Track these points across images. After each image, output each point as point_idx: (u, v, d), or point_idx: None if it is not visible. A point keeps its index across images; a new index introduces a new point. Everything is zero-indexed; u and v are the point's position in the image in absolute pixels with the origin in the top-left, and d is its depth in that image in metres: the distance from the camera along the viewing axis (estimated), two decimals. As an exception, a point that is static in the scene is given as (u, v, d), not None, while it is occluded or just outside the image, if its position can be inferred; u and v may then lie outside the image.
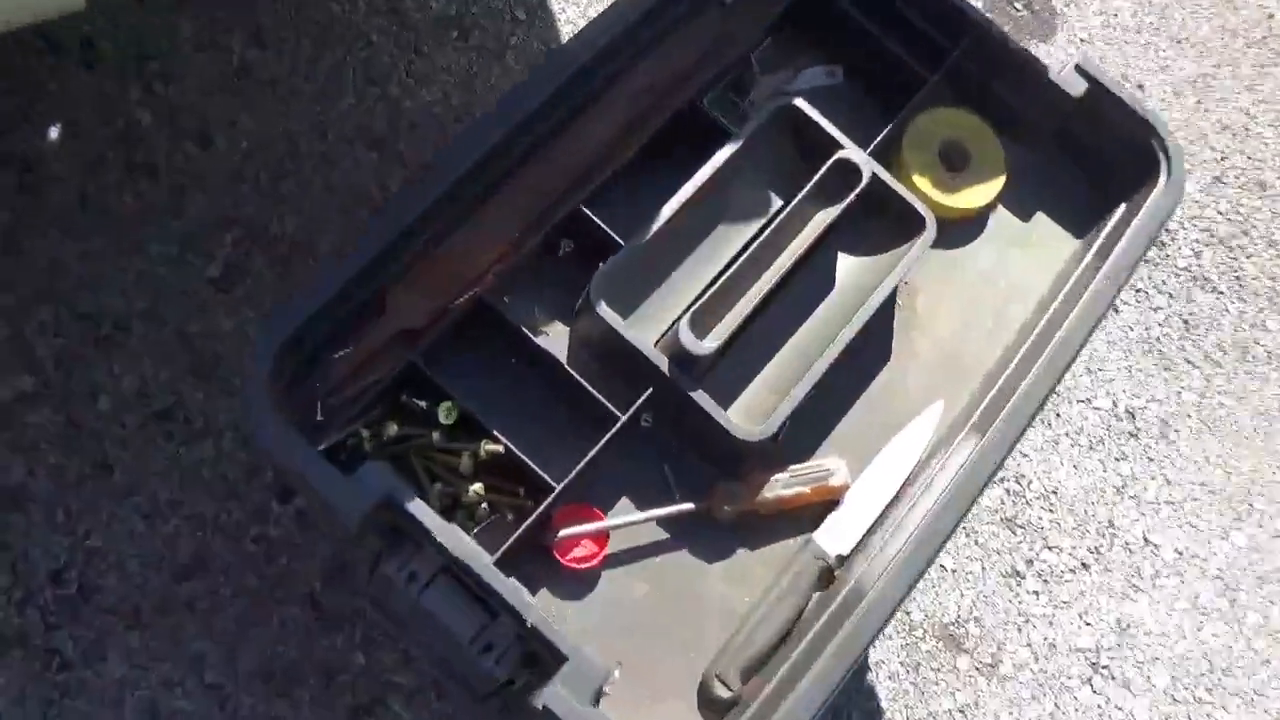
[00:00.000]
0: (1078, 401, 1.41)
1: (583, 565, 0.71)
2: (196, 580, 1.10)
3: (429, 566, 0.67)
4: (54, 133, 1.25)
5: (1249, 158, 1.62)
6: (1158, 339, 1.47)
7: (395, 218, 0.72)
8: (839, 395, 0.80)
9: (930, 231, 0.79)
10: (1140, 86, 1.63)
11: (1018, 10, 1.65)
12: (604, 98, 0.82)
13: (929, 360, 0.83)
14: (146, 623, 1.07)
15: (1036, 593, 1.30)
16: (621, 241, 0.75)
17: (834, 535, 0.75)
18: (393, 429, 0.67)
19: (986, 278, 0.87)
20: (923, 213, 0.79)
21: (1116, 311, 1.47)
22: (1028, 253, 0.88)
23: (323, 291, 0.68)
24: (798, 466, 0.75)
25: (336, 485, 0.62)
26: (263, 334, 0.65)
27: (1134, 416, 1.42)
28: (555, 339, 0.77)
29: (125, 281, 1.19)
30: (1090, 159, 0.89)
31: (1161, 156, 0.85)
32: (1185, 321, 1.49)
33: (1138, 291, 1.49)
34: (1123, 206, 0.87)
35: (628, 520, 0.72)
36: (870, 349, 0.82)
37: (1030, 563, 1.31)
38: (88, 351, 1.15)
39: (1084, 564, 1.32)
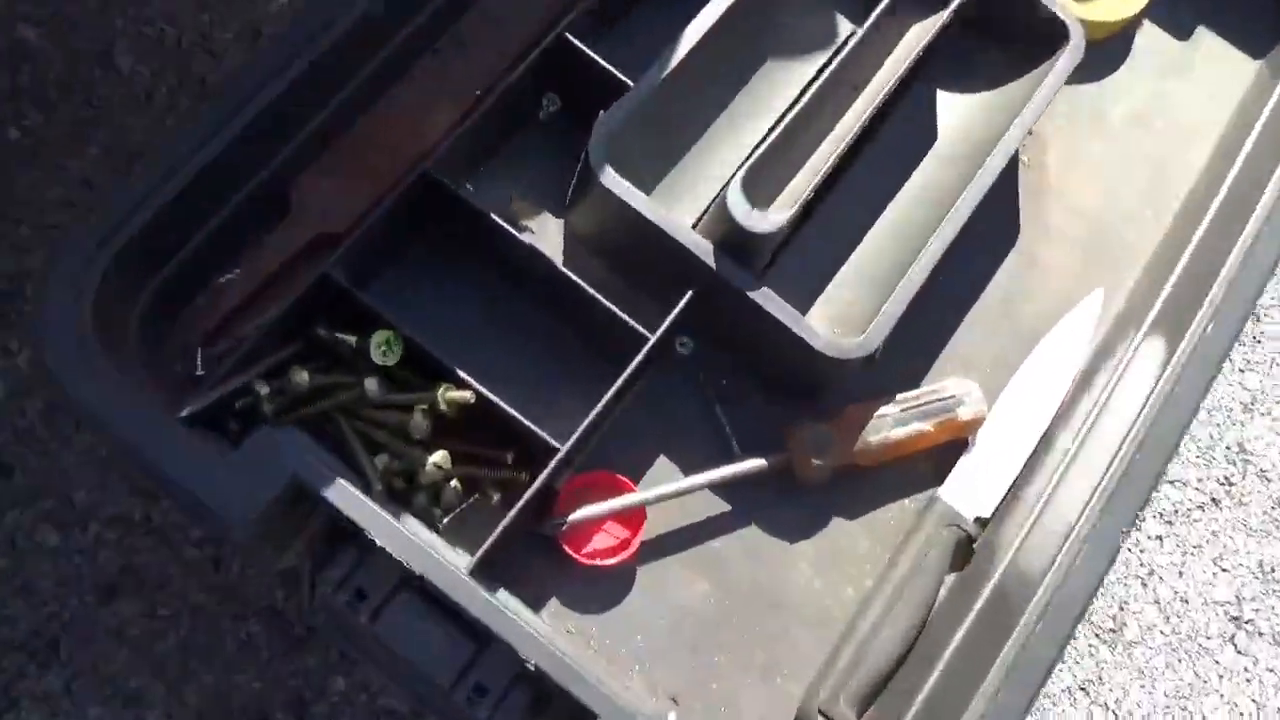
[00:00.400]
0: (1189, 305, 1.17)
1: (609, 561, 0.48)
2: (127, 600, 0.88)
3: (382, 580, 0.45)
4: (-80, 61, 1.02)
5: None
6: (1277, 224, 1.23)
7: (297, 57, 0.48)
8: (950, 293, 0.57)
9: (1077, 46, 0.55)
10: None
11: None
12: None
13: (1071, 237, 0.60)
14: (66, 659, 0.86)
15: (1160, 538, 1.07)
16: (629, 82, 0.51)
17: (967, 490, 0.52)
18: (302, 378, 0.44)
19: (1139, 119, 0.63)
20: (1065, 20, 0.55)
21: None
22: (1190, 82, 0.64)
23: (181, 173, 0.45)
24: (909, 395, 0.52)
25: (208, 469, 0.39)
26: (79, 240, 0.41)
27: (1258, 318, 1.18)
28: (546, 233, 0.53)
29: (17, 236, 0.96)
30: (1269, -54, 0.65)
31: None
32: (1307, 201, 1.25)
33: (1248, 169, 1.25)
34: (1322, 6, 0.63)
35: (669, 491, 0.48)
36: (989, 226, 0.58)
37: (1149, 502, 1.08)
38: (-27, 325, 0.93)
39: (1213, 499, 1.09)
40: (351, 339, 0.46)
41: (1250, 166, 0.57)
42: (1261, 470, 1.11)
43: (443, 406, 0.45)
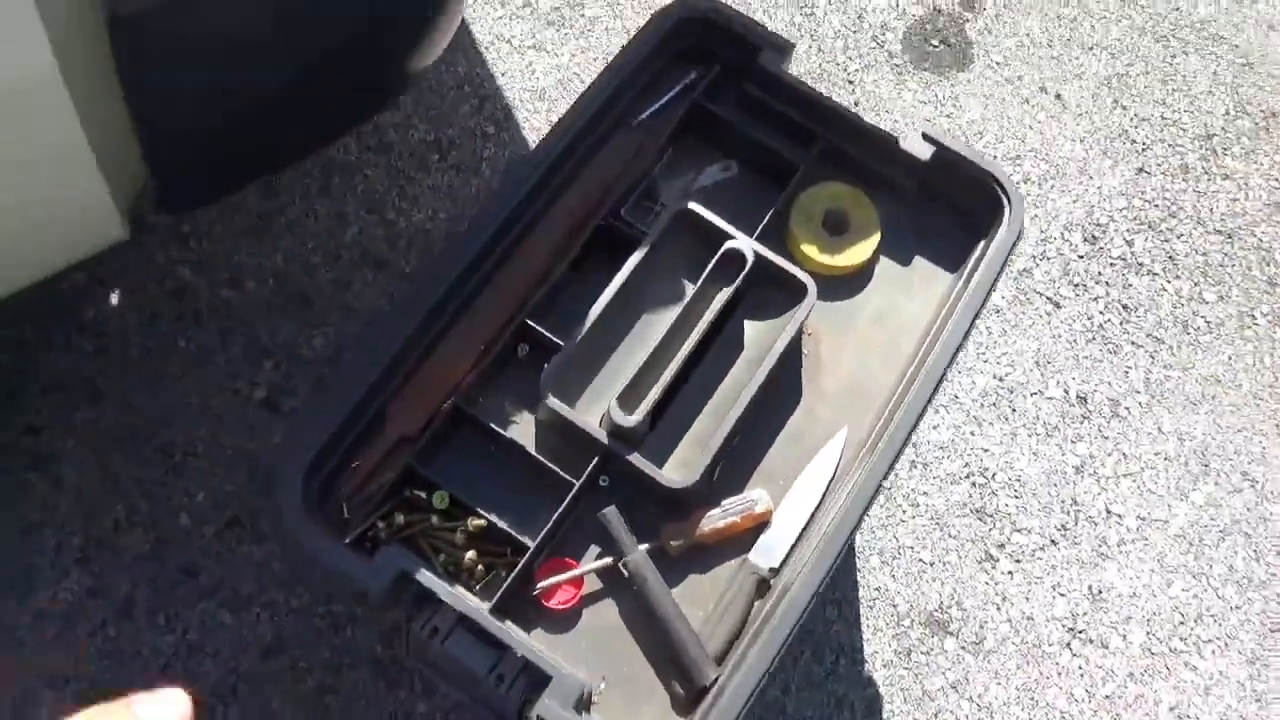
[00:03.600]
0: (1031, 394, 1.56)
1: (565, 606, 0.89)
2: (278, 657, 1.30)
3: (446, 621, 0.86)
4: (115, 298, 1.50)
5: (1169, 145, 1.77)
6: (1100, 326, 1.62)
7: (379, 353, 0.92)
8: (761, 435, 0.98)
9: (811, 295, 0.97)
10: (1058, 96, 1.79)
11: (934, 47, 1.82)
12: (541, 223, 1.02)
13: (835, 396, 1.01)
14: (242, 698, 1.28)
15: (1011, 572, 1.44)
16: (561, 343, 0.94)
17: (765, 552, 0.92)
18: (399, 519, 0.87)
19: (877, 319, 1.04)
20: (802, 279, 0.97)
21: (1058, 307, 1.62)
22: (910, 293, 1.05)
23: (330, 424, 0.88)
24: (729, 501, 0.93)
25: (361, 570, 0.82)
26: (288, 468, 0.85)
27: (1085, 400, 1.56)
28: (525, 425, 0.96)
29: (189, 414, 1.42)
30: (953, 206, 1.07)
31: (1004, 199, 1.02)
32: (1125, 306, 1.63)
33: (1076, 285, 1.64)
34: (982, 243, 1.04)
35: (594, 566, 0.90)
36: (783, 394, 1.00)
37: (1002, 546, 1.45)
38: (167, 478, 1.38)
39: (1053, 541, 1.46)
40: (423, 494, 0.89)
41: (926, 351, 0.98)
42: (1090, 517, 1.49)
43: (470, 529, 0.87)
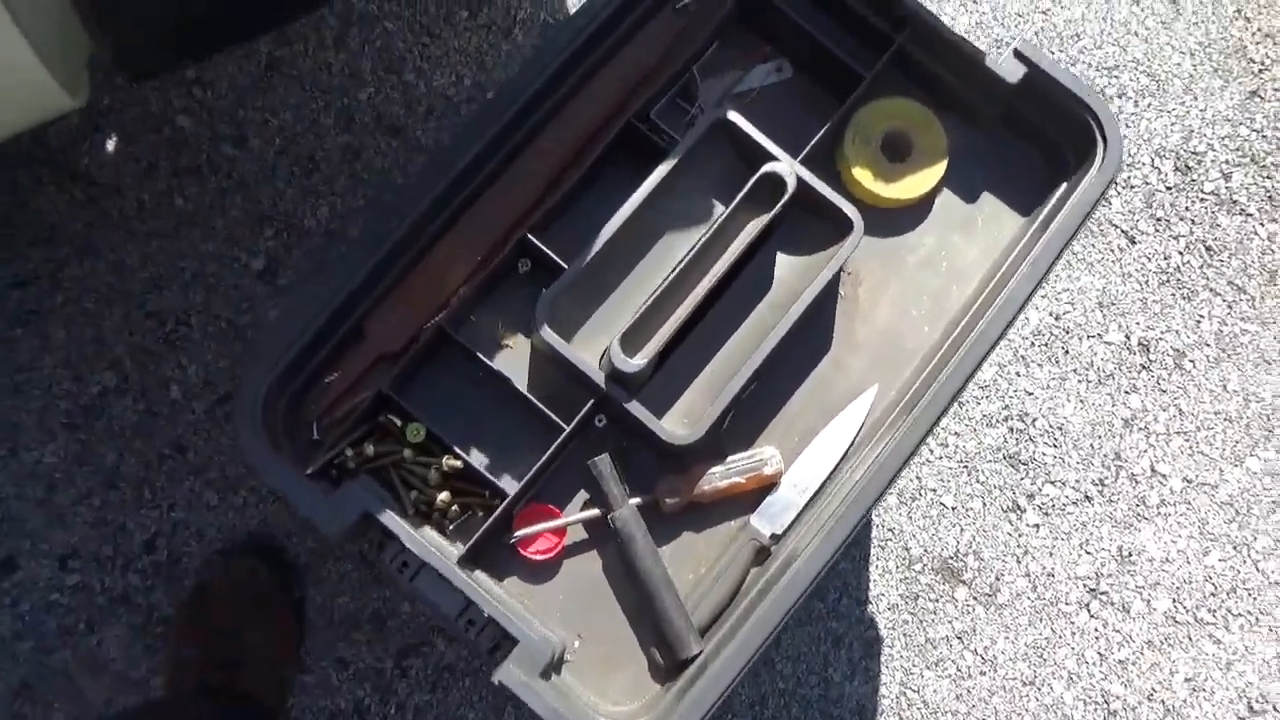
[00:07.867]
0: (1088, 338, 1.42)
1: (544, 556, 0.82)
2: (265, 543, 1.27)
3: (416, 558, 0.80)
4: (110, 145, 1.39)
5: (1292, 65, 1.54)
6: (1177, 268, 1.46)
7: (368, 252, 0.82)
8: (780, 386, 0.88)
9: (857, 231, 0.84)
10: (1174, 0, 1.56)
11: (1038, -75, 1.58)
12: (560, 114, 0.89)
13: (869, 347, 0.89)
14: (226, 580, 1.25)
15: (1037, 525, 1.35)
16: (565, 265, 0.83)
17: (769, 517, 0.84)
18: (369, 449, 0.79)
19: (928, 262, 0.91)
20: (849, 214, 0.84)
21: (1134, 243, 1.46)
22: (971, 235, 0.92)
23: (304, 332, 0.79)
24: (735, 457, 0.84)
25: (319, 505, 0.75)
26: (248, 387, 0.76)
27: (1148, 349, 1.42)
28: (518, 351, 0.86)
29: (183, 280, 1.34)
30: (1036, 138, 0.91)
31: (1098, 135, 0.86)
32: (1208, 248, 1.47)
33: (1157, 220, 1.47)
34: (1064, 185, 0.90)
35: (579, 518, 0.82)
36: (811, 340, 0.89)
37: (1031, 497, 1.36)
38: (158, 347, 1.31)
39: (1087, 496, 1.36)
40: (399, 423, 0.81)
41: (983, 304, 0.85)
42: (1132, 475, 1.38)
43: (445, 468, 0.79)
